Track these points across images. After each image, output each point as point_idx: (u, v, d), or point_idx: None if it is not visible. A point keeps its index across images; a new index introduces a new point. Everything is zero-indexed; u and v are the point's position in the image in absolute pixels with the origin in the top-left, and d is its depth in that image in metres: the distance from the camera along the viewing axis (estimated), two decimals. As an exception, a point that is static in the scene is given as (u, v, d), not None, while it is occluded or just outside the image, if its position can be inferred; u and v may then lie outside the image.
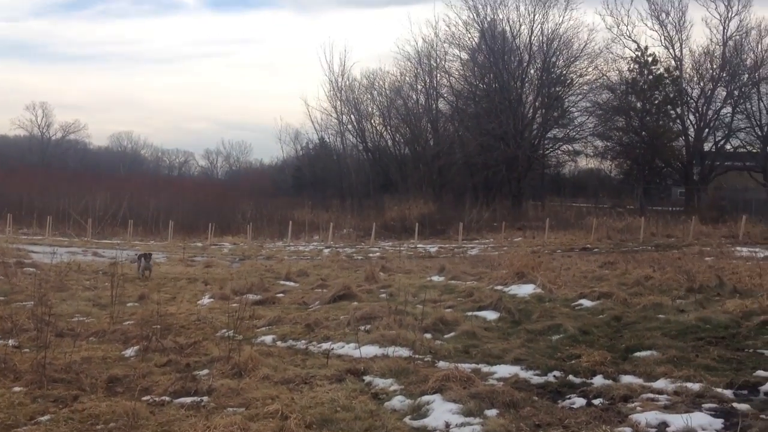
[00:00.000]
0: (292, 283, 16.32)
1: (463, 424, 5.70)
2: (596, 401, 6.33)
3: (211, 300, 13.35)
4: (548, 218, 35.78)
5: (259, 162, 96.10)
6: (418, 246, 31.62)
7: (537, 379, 7.19)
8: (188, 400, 6.49)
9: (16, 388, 6.90)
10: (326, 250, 29.50)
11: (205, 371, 7.50)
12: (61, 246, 27.27)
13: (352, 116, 59.79)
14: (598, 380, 7.00)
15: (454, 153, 53.51)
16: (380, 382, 7.03)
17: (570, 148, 54.94)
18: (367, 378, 7.23)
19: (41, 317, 10.38)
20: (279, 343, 9.48)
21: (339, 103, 59.20)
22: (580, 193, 58.41)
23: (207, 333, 10.06)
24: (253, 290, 14.26)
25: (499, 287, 13.22)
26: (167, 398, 6.58)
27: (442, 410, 6.02)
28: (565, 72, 51.69)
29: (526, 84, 52.77)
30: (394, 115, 58.16)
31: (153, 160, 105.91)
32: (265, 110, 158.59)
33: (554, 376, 7.31)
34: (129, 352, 8.76)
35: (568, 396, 6.57)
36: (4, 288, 14.04)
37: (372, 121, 60.58)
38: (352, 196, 54.32)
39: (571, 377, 7.18)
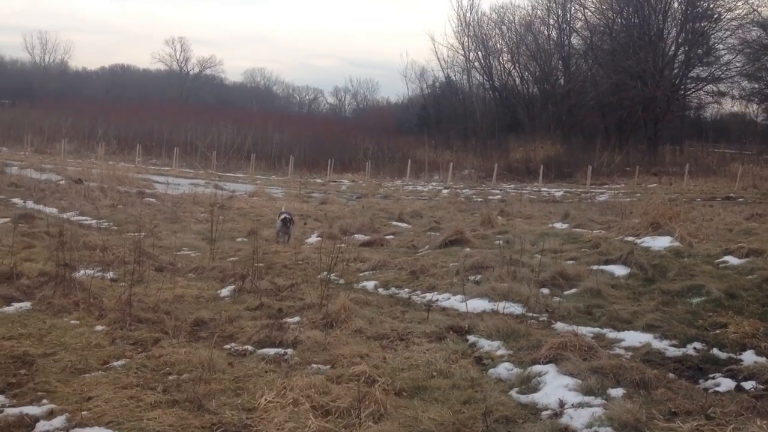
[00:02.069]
0: (404, 224, 15.61)
1: (580, 405, 4.75)
2: (747, 384, 5.19)
3: (319, 239, 12.84)
4: (687, 164, 33.05)
5: (385, 100, 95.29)
6: (542, 190, 30.13)
7: (673, 352, 6.09)
8: (272, 351, 5.89)
9: (99, 327, 6.55)
10: (445, 191, 28.60)
11: (296, 318, 6.89)
12: (186, 177, 27.91)
13: (479, 53, 58.05)
14: (749, 357, 5.83)
15: (586, 92, 50.74)
16: (486, 344, 6.15)
17: (714, 88, 50.63)
18: (472, 338, 6.37)
19: (144, 250, 10.21)
20: (380, 290, 8.78)
21: (466, 39, 57.48)
22: (722, 138, 54.06)
23: (308, 274, 9.52)
24: (363, 230, 13.65)
25: (630, 238, 11.86)
26: (250, 348, 6.02)
27: (555, 385, 5.08)
28: (711, 6, 47.28)
29: (669, 18, 48.76)
30: (524, 52, 55.87)
31: (284, 96, 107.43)
32: (391, 48, 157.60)
33: (694, 348, 6.18)
34: (224, 291, 8.32)
35: (711, 375, 5.47)
36: (119, 217, 14.16)
37: (500, 59, 58.60)
38: (476, 136, 52.86)
39: (715, 351, 6.03)
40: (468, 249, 11.05)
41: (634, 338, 6.46)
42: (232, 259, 10.80)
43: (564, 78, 52.97)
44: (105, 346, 6.05)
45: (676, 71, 49.01)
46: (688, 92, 51.92)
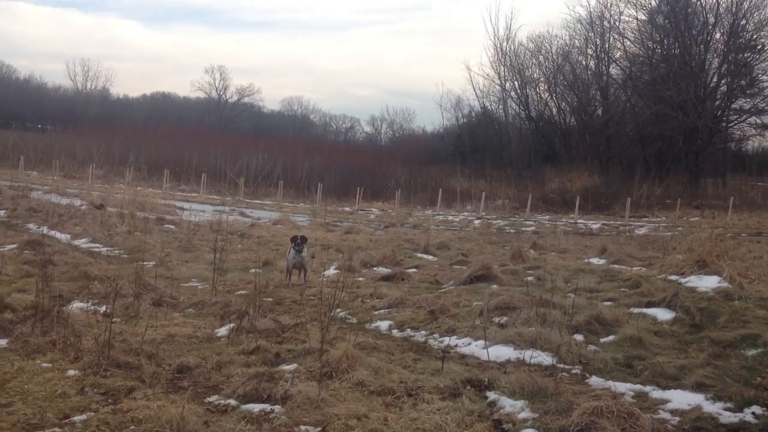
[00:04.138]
0: (429, 257, 14.75)
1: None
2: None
3: (337, 271, 12.04)
4: (731, 197, 31.67)
5: (421, 129, 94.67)
6: (578, 222, 29.04)
7: (729, 417, 5.14)
8: (257, 408, 5.08)
9: (71, 371, 5.84)
10: (476, 222, 27.69)
11: (294, 366, 6.08)
12: (213, 204, 27.45)
13: (515, 82, 57.29)
14: (820, 425, 4.87)
15: (625, 122, 49.49)
16: (507, 404, 5.26)
17: (758, 120, 48.96)
18: (491, 395, 5.48)
19: (146, 282, 9.54)
20: (395, 331, 7.94)
21: (503, 68, 56.78)
22: (765, 171, 52.15)
23: (319, 312, 8.70)
24: (384, 263, 12.83)
25: (673, 277, 10.84)
26: (233, 402, 5.21)
27: (588, 462, 4.19)
28: (755, 36, 45.87)
29: (710, 49, 47.42)
30: (561, 82, 54.98)
31: (321, 125, 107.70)
32: (427, 77, 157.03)
33: (753, 413, 5.23)
34: (222, 330, 7.55)
35: (776, 449, 4.52)
36: (131, 245, 13.53)
37: (537, 88, 57.79)
38: (512, 166, 51.86)
39: (779, 418, 5.07)
40: (495, 286, 10.15)
41: (681, 399, 5.52)
42: (240, 292, 10.07)
43: (602, 108, 51.83)
44: (71, 395, 5.32)
45: (718, 102, 47.53)
46: (731, 124, 50.35)
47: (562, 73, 54.48)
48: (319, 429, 4.69)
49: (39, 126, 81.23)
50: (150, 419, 4.76)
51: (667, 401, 5.49)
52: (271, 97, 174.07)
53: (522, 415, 5.04)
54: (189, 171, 36.83)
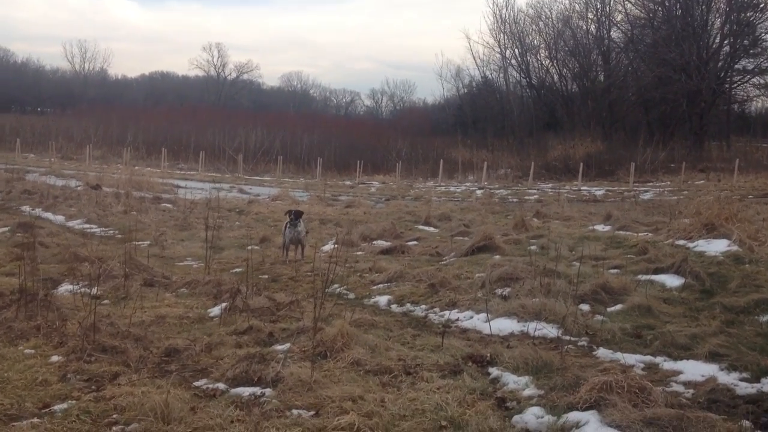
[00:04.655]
0: (431, 228, 14.46)
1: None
2: None
3: (335, 246, 11.75)
4: (737, 159, 31.23)
5: (422, 101, 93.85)
6: (582, 188, 28.69)
7: (745, 388, 4.87)
8: (247, 391, 4.82)
9: (55, 357, 5.59)
10: (478, 192, 27.33)
11: (287, 345, 5.81)
12: (211, 181, 27.11)
13: (515, 50, 56.50)
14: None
15: (627, 87, 48.89)
16: (511, 381, 5.00)
17: (761, 80, 48.22)
18: (494, 371, 5.22)
19: (138, 262, 9.27)
20: (394, 306, 7.68)
21: (502, 36, 55.99)
22: (769, 132, 51.50)
23: (316, 288, 8.42)
24: (384, 236, 12.56)
25: (681, 242, 10.54)
26: (222, 386, 4.95)
27: (598, 441, 3.93)
28: (758, -6, 44.92)
29: (712, 9, 46.58)
30: (562, 48, 54.19)
31: (321, 99, 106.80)
32: (427, 48, 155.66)
33: (771, 383, 4.95)
34: (215, 310, 7.29)
35: (798, 422, 4.25)
36: (126, 225, 13.23)
37: (537, 55, 56.96)
38: (513, 135, 51.32)
39: (799, 387, 4.80)
40: (497, 256, 9.86)
41: (694, 370, 5.26)
42: (235, 270, 9.81)
43: (604, 73, 51.09)
44: (53, 383, 5.07)
45: (721, 63, 46.78)
46: (734, 85, 49.62)
47: (562, 39, 53.68)
48: (312, 413, 4.43)
49: (38, 109, 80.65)
50: (133, 407, 4.51)
51: (679, 372, 5.23)
52: (270, 73, 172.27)
53: (526, 392, 4.77)
54: (187, 149, 36.40)
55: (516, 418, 4.37)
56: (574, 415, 4.26)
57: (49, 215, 15.01)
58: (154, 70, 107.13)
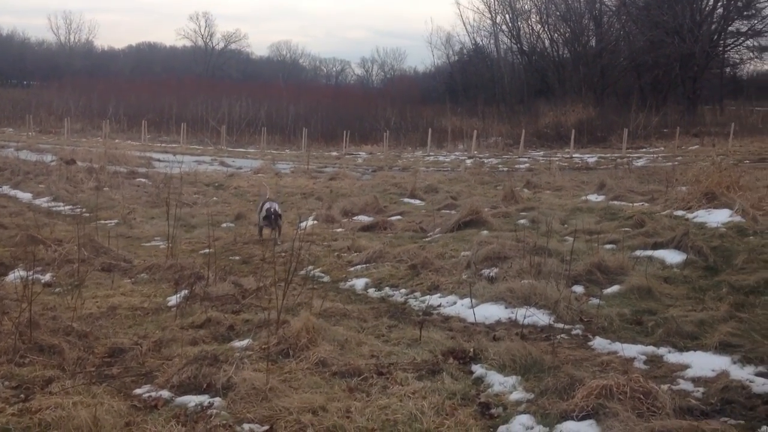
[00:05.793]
0: (416, 201, 13.82)
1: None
2: None
3: (314, 222, 11.11)
4: (732, 123, 30.58)
5: (413, 70, 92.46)
6: (574, 156, 28.02)
7: (762, 385, 4.30)
8: (194, 401, 4.19)
9: (-18, 361, 4.93)
10: (468, 161, 26.63)
11: (246, 341, 5.19)
12: (193, 154, 26.35)
13: (506, 16, 55.33)
14: None
15: (620, 51, 47.94)
16: (497, 382, 4.39)
17: (755, 43, 47.41)
18: (478, 369, 4.61)
19: (99, 243, 8.61)
20: (371, 290, 7.06)
21: (493, 1, 54.72)
22: (763, 95, 50.77)
23: (288, 271, 7.79)
24: (367, 210, 11.92)
25: (679, 212, 9.93)
26: (167, 394, 4.33)
27: (597, 460, 3.33)
28: (751, -46, 43.93)
29: (706, -32, 45.55)
30: (553, 13, 52.98)
31: (311, 69, 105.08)
32: (418, 15, 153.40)
33: (791, 378, 4.37)
34: (174, 299, 6.64)
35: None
36: (95, 202, 12.51)
37: (528, 20, 55.71)
38: (504, 102, 50.46)
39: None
40: (485, 232, 9.22)
41: (703, 363, 4.67)
42: (205, 251, 9.13)
43: (596, 38, 50.08)
44: (-27, 393, 4.42)
45: (714, 26, 45.89)
46: (728, 48, 48.77)
47: (554, 3, 52.51)
48: (265, 428, 3.81)
49: (24, 82, 78.99)
50: (60, 422, 3.89)
51: (686, 366, 4.64)
52: (259, 42, 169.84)
53: (514, 396, 4.17)
54: (170, 121, 35.37)
55: (502, 429, 3.78)
56: (568, 426, 3.67)
57: (16, 193, 14.29)
58: (142, 41, 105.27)
